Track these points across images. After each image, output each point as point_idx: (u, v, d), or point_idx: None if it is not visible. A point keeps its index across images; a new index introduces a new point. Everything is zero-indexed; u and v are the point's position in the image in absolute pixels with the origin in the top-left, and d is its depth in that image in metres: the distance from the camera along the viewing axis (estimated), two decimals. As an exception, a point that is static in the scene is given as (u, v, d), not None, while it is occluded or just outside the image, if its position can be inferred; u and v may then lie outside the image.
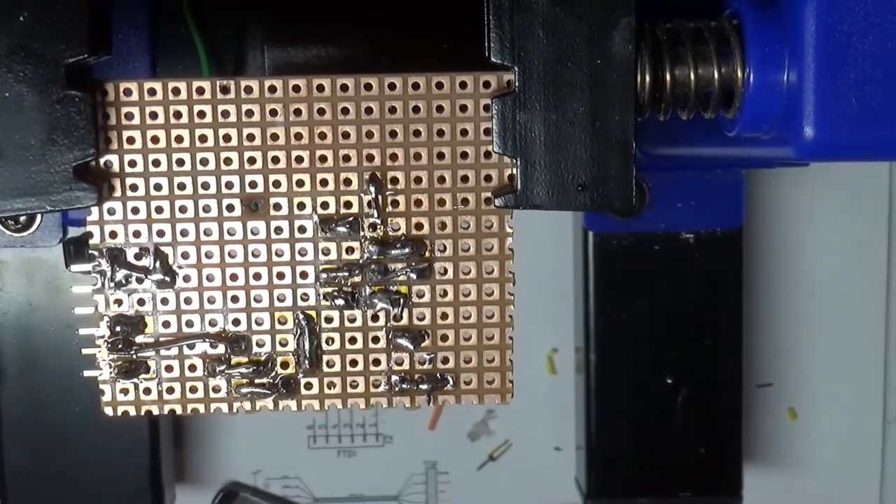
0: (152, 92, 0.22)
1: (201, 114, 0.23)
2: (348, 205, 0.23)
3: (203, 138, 0.23)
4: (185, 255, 0.23)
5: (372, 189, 0.23)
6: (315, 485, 0.38)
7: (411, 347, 0.23)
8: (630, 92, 0.22)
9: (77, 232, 0.28)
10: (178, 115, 0.23)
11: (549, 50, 0.22)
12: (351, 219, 0.23)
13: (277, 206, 0.23)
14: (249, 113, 0.23)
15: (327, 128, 0.23)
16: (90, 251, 0.23)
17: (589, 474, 0.36)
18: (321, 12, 0.28)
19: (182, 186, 0.23)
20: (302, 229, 0.23)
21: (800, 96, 0.22)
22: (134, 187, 0.23)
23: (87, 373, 0.23)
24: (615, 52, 0.22)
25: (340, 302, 0.23)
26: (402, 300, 0.23)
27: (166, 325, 0.23)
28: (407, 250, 0.23)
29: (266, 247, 0.23)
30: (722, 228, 0.35)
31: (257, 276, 0.23)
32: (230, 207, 0.23)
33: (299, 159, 0.23)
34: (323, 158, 0.23)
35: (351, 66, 0.27)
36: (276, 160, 0.23)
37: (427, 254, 0.23)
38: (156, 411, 0.23)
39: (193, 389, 0.23)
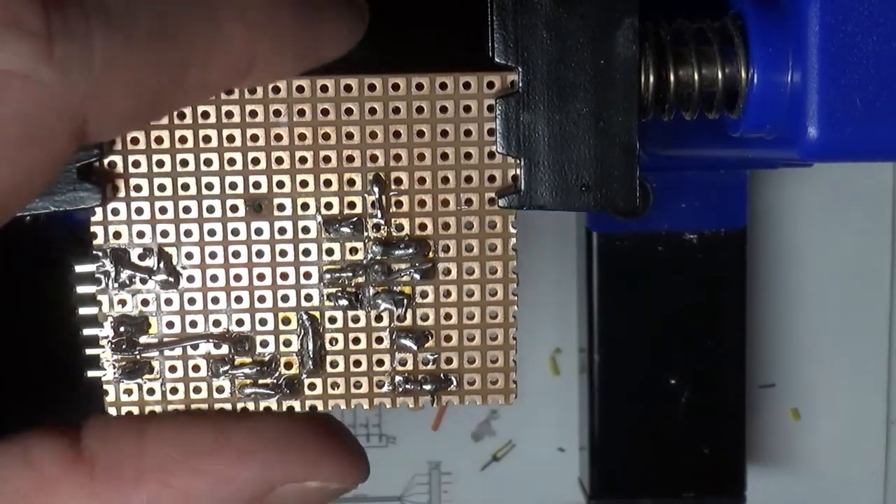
0: (156, 92, 0.22)
1: (205, 114, 0.23)
2: (352, 205, 0.23)
3: (207, 139, 0.23)
4: (188, 256, 0.23)
5: (376, 189, 0.23)
6: (318, 485, 0.38)
7: (415, 348, 0.23)
8: (633, 92, 0.22)
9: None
10: (181, 115, 0.23)
11: (552, 50, 0.22)
12: (355, 219, 0.23)
13: (281, 207, 0.23)
14: (253, 113, 0.23)
15: (331, 128, 0.23)
16: (94, 252, 0.23)
17: (592, 475, 0.36)
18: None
19: (186, 187, 0.23)
20: (306, 230, 0.23)
21: (803, 97, 0.22)
22: (138, 188, 0.23)
23: (90, 373, 0.24)
24: (618, 52, 0.22)
25: (344, 302, 0.23)
26: (405, 300, 0.23)
27: (170, 325, 0.23)
28: (410, 251, 0.23)
29: (270, 247, 0.23)
30: (726, 229, 0.35)
31: (261, 277, 0.23)
32: (234, 208, 0.23)
33: (303, 160, 0.23)
34: (327, 159, 0.23)
35: (354, 66, 0.27)
36: (279, 161, 0.23)
37: (431, 254, 0.23)
38: (160, 411, 0.23)
39: (197, 390, 0.23)
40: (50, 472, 0.21)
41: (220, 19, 0.19)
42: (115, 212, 0.23)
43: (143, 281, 0.23)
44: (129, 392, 0.23)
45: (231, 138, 0.23)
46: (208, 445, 0.22)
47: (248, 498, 0.22)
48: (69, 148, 0.19)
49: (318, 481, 0.22)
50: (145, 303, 0.23)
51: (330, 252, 0.23)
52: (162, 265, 0.23)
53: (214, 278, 0.23)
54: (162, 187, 0.23)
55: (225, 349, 0.23)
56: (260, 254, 0.23)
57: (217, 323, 0.23)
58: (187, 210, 0.23)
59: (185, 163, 0.23)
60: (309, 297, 0.23)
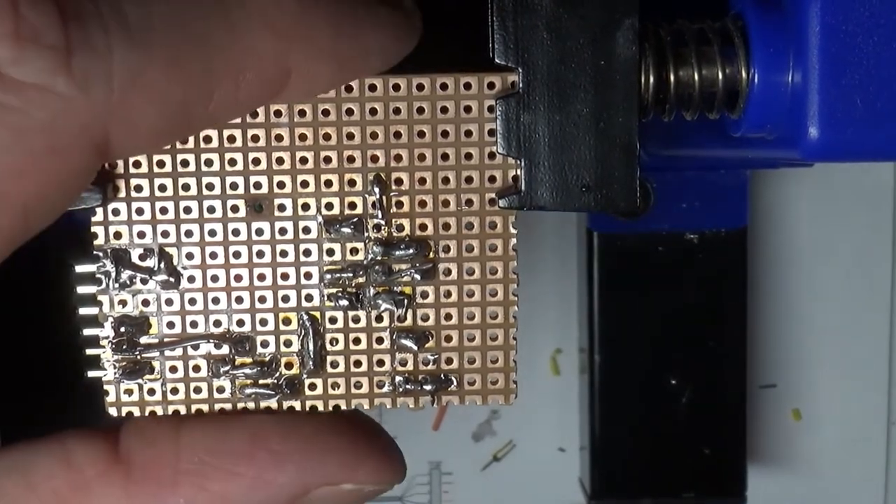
0: (157, 93, 0.22)
1: (206, 115, 0.23)
2: (352, 206, 0.23)
3: (207, 139, 0.23)
4: (189, 256, 0.23)
5: (376, 190, 0.23)
6: (319, 485, 0.38)
7: (415, 348, 0.23)
8: (634, 93, 0.22)
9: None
10: (182, 115, 0.23)
11: (552, 51, 0.22)
12: (355, 220, 0.23)
13: (282, 207, 0.23)
14: (254, 114, 0.23)
15: (332, 129, 0.23)
16: (94, 252, 0.23)
17: (592, 475, 0.36)
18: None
19: (186, 187, 0.23)
20: (306, 230, 0.23)
21: (804, 97, 0.22)
22: (138, 188, 0.23)
23: (91, 373, 0.24)
24: (619, 53, 0.22)
25: (344, 303, 0.23)
26: (406, 301, 0.23)
27: (171, 325, 0.23)
28: (411, 251, 0.23)
29: (270, 247, 0.23)
30: (726, 229, 0.35)
31: (262, 277, 0.23)
32: (234, 208, 0.23)
33: (304, 160, 0.23)
34: (327, 159, 0.23)
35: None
36: (280, 161, 0.23)
37: (431, 254, 0.23)
38: (160, 412, 0.23)
39: (198, 390, 0.23)
40: (88, 473, 0.21)
41: (244, 29, 0.19)
42: (116, 212, 0.23)
43: (144, 281, 0.23)
44: (129, 392, 0.23)
45: (232, 139, 0.23)
46: (244, 448, 0.22)
47: (284, 500, 0.21)
48: (92, 162, 0.19)
49: (353, 483, 0.22)
50: (146, 303, 0.23)
51: (330, 252, 0.23)
52: (162, 265, 0.23)
53: (215, 278, 0.23)
54: (163, 187, 0.23)
55: (225, 349, 0.23)
56: (260, 254, 0.23)
57: (217, 323, 0.23)
58: (188, 210, 0.23)
59: (185, 163, 0.23)
60: (309, 298, 0.23)
